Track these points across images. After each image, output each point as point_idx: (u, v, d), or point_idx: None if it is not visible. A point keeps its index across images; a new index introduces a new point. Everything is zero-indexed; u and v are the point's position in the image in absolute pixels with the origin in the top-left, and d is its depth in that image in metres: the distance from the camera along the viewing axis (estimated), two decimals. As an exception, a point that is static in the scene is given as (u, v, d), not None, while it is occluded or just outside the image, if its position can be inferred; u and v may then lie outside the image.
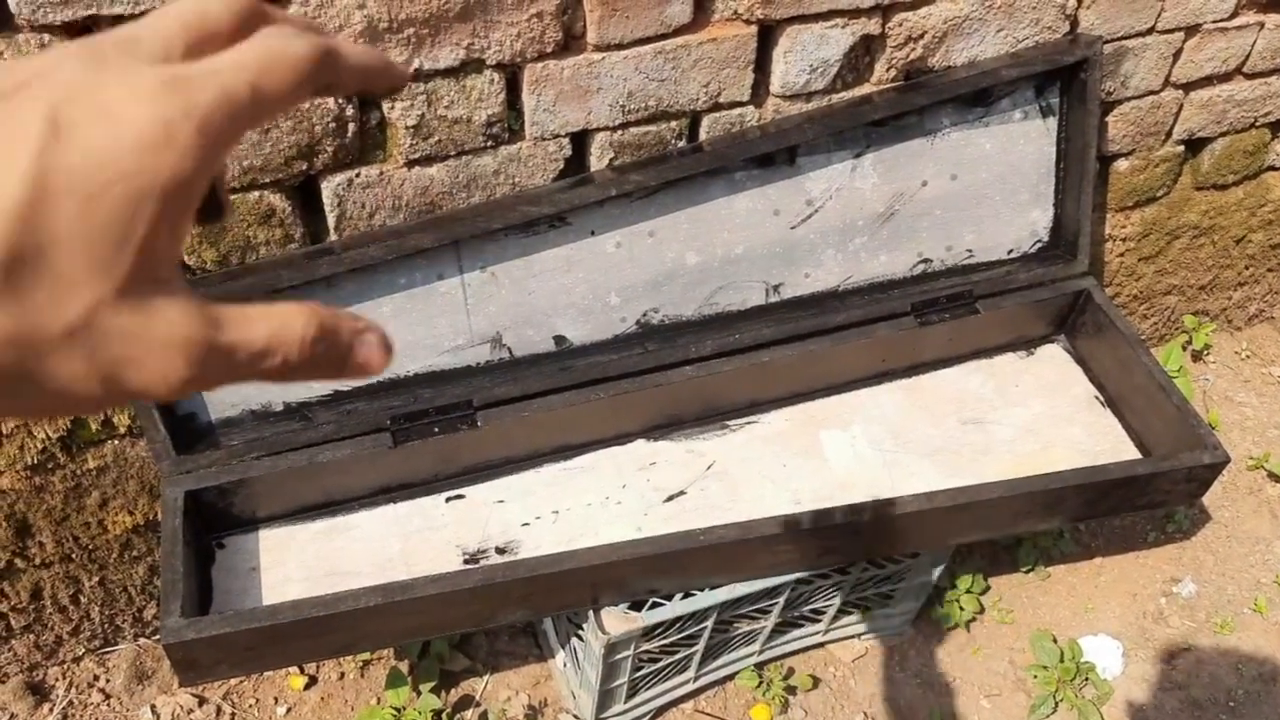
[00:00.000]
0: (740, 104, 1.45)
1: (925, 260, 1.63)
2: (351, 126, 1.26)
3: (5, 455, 1.38)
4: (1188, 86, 1.79)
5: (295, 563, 1.42)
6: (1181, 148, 1.90)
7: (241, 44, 0.32)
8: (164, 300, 0.29)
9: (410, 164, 1.32)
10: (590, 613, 1.44)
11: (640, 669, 1.58)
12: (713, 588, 1.46)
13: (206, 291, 1.28)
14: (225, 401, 1.37)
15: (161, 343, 0.29)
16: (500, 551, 1.45)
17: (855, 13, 1.40)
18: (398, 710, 1.66)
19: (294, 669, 1.75)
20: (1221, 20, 1.70)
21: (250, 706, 1.72)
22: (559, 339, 1.48)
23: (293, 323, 0.31)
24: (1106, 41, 1.61)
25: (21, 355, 0.27)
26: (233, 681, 1.74)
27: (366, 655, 1.76)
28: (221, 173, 0.37)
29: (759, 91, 1.45)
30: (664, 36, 1.33)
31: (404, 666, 1.72)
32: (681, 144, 1.46)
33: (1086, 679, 1.83)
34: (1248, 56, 1.78)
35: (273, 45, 0.32)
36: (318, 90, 0.34)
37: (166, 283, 0.29)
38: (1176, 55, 1.72)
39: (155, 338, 0.29)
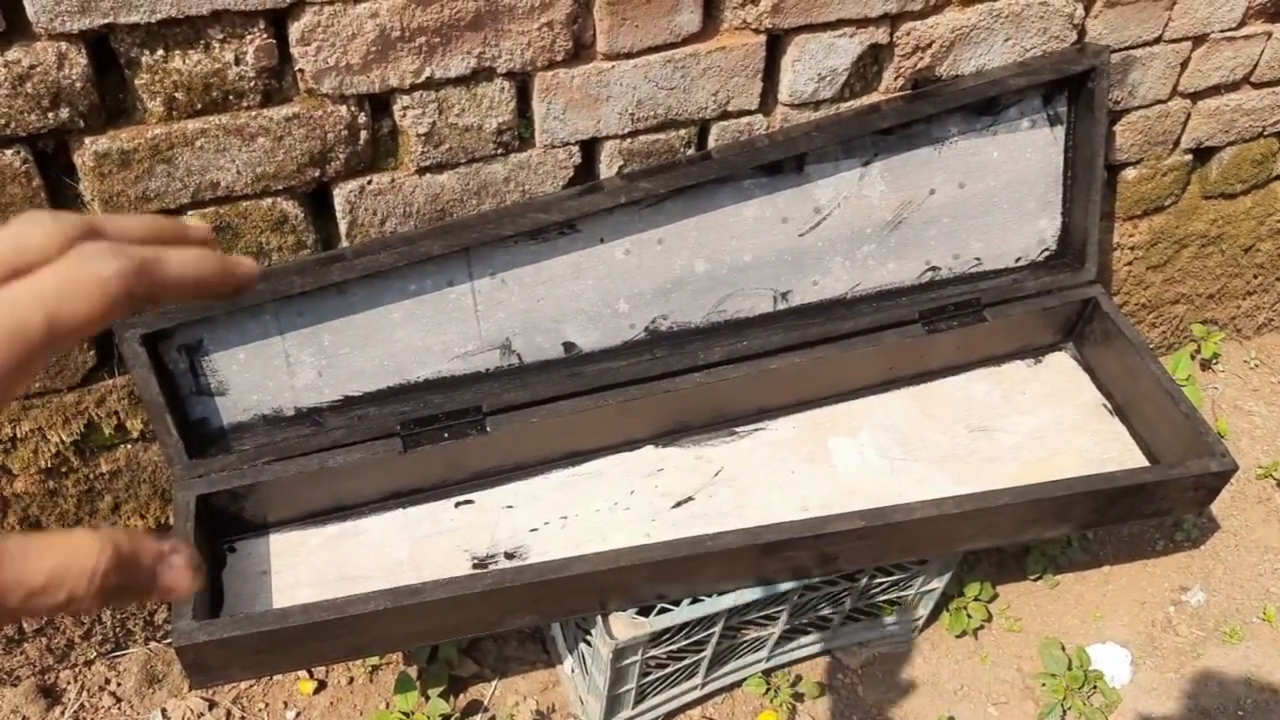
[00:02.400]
0: (749, 112, 1.45)
1: (933, 268, 1.64)
2: (363, 134, 1.27)
3: (19, 459, 1.39)
4: (1195, 96, 1.79)
5: (305, 567, 1.43)
6: (1189, 157, 1.90)
7: (45, 269, 0.30)
8: None
9: (421, 171, 1.33)
10: (598, 618, 1.44)
11: (648, 674, 1.58)
12: (720, 594, 1.46)
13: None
14: (237, 406, 1.38)
15: None
16: (509, 557, 1.46)
17: (863, 22, 1.41)
18: (406, 715, 1.67)
19: (303, 673, 1.76)
20: (1229, 30, 1.70)
21: (260, 710, 1.73)
22: (568, 345, 1.49)
23: (81, 555, 0.30)
24: (1114, 51, 1.62)
25: None
26: (242, 685, 1.75)
27: (375, 660, 1.77)
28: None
29: (767, 100, 1.46)
30: (673, 45, 1.34)
31: (413, 671, 1.72)
32: (690, 152, 1.46)
33: (1095, 687, 1.83)
34: (1255, 66, 1.79)
35: (76, 269, 0.30)
36: (135, 305, 0.32)
37: None
38: (1184, 64, 1.72)
39: None
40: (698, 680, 1.69)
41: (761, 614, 1.59)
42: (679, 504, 1.53)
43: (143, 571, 0.31)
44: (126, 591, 0.31)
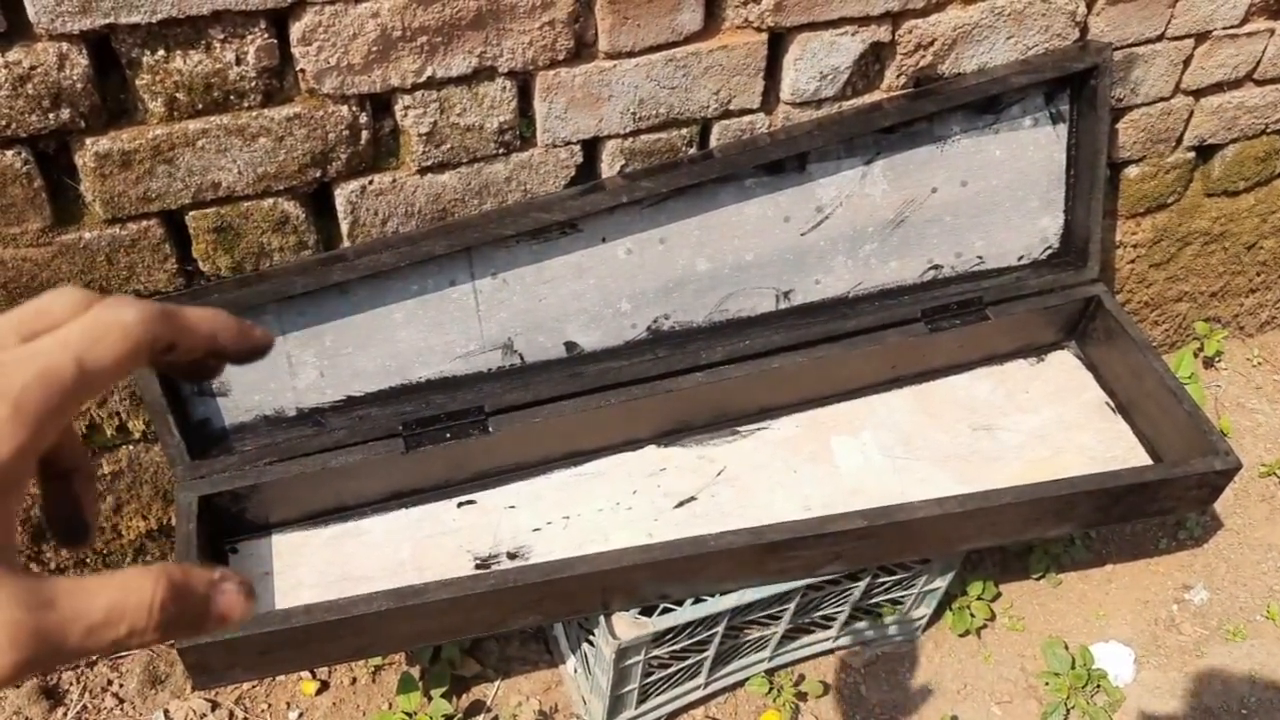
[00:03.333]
0: (751, 111, 1.45)
1: (935, 267, 1.63)
2: (365, 134, 1.27)
3: (21, 460, 1.39)
4: (1198, 93, 1.79)
5: (308, 567, 1.42)
6: (1192, 154, 1.90)
7: (72, 321, 0.31)
8: None
9: (423, 171, 1.33)
10: (601, 618, 1.44)
11: (651, 674, 1.58)
12: (723, 593, 1.46)
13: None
14: (239, 407, 1.38)
15: None
16: (511, 557, 1.46)
17: (865, 20, 1.41)
18: (409, 715, 1.67)
19: (306, 674, 1.76)
20: (1232, 27, 1.70)
21: (263, 711, 1.73)
22: (570, 345, 1.49)
23: (138, 589, 0.30)
24: (1117, 48, 1.62)
25: None
26: (245, 686, 1.75)
27: (378, 660, 1.77)
28: (91, 495, 0.37)
29: (769, 99, 1.46)
30: (675, 44, 1.34)
31: (415, 671, 1.72)
32: (692, 151, 1.46)
33: (1098, 686, 1.82)
34: (1258, 63, 1.78)
35: (101, 315, 0.31)
36: (158, 357, 0.33)
37: None
38: (1187, 62, 1.72)
39: None
40: (700, 680, 1.69)
41: (764, 613, 1.59)
42: (681, 504, 1.53)
43: (197, 600, 0.32)
44: (183, 621, 0.31)
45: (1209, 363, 2.35)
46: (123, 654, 1.71)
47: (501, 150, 1.35)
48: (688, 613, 1.46)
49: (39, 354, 0.30)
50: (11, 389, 0.29)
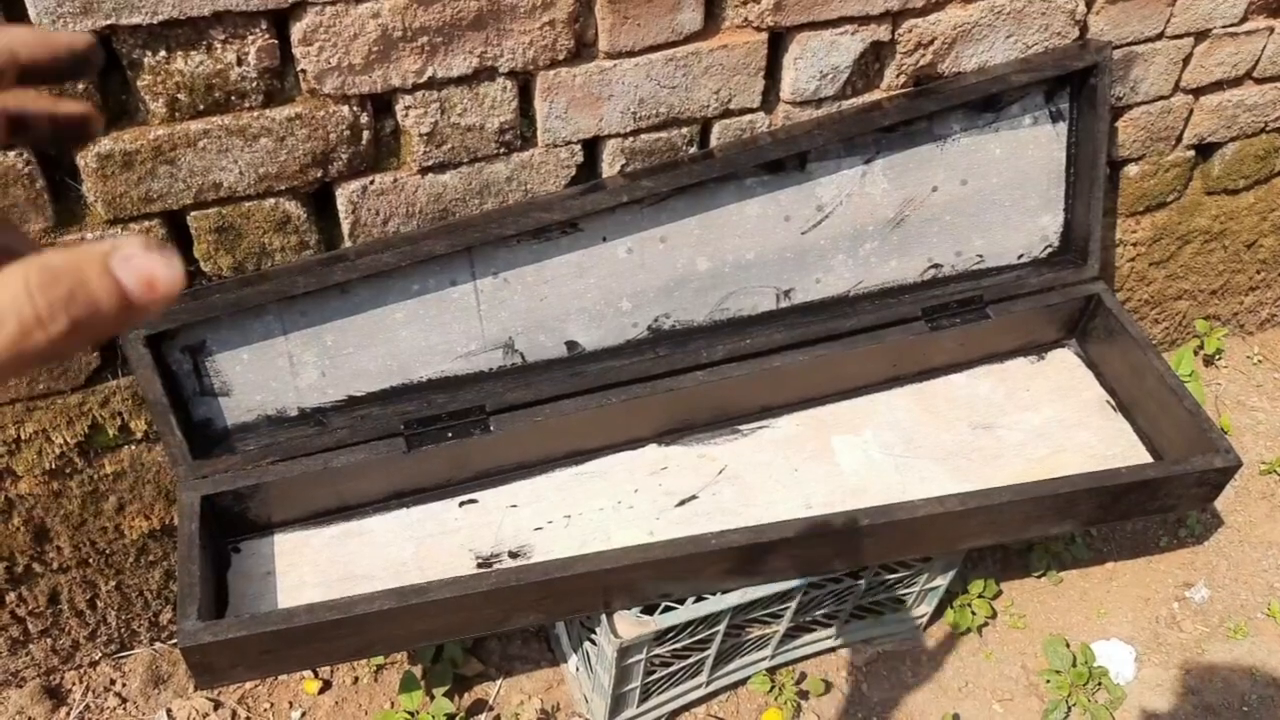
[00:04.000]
0: (751, 110, 1.45)
1: (936, 265, 1.64)
2: (366, 134, 1.27)
3: (23, 461, 1.39)
4: (1198, 91, 1.79)
5: (310, 567, 1.43)
6: (1192, 153, 1.90)
7: None
8: None
9: (424, 171, 1.33)
10: (603, 617, 1.44)
11: (653, 673, 1.58)
12: (725, 592, 1.47)
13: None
14: (241, 407, 1.38)
15: None
16: (513, 556, 1.46)
17: (865, 19, 1.41)
18: (411, 714, 1.67)
19: (308, 673, 1.76)
20: (1231, 25, 1.70)
21: (265, 710, 1.73)
22: (571, 344, 1.49)
23: (6, 283, 0.27)
24: (1116, 47, 1.62)
25: None
26: (248, 685, 1.75)
27: (380, 659, 1.77)
28: (43, 101, 0.33)
29: (769, 98, 1.46)
30: (675, 44, 1.34)
31: (417, 671, 1.73)
32: (692, 150, 1.46)
33: (1099, 684, 1.83)
34: (1257, 61, 1.79)
35: None
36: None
37: None
38: (1186, 60, 1.72)
39: None
40: (702, 678, 1.69)
41: (766, 612, 1.59)
42: (682, 502, 1.54)
43: (88, 278, 0.27)
44: (84, 303, 0.27)
45: (1209, 361, 2.35)
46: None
47: (502, 150, 1.35)
48: (689, 611, 1.46)
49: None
50: None
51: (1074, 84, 1.58)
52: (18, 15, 1.04)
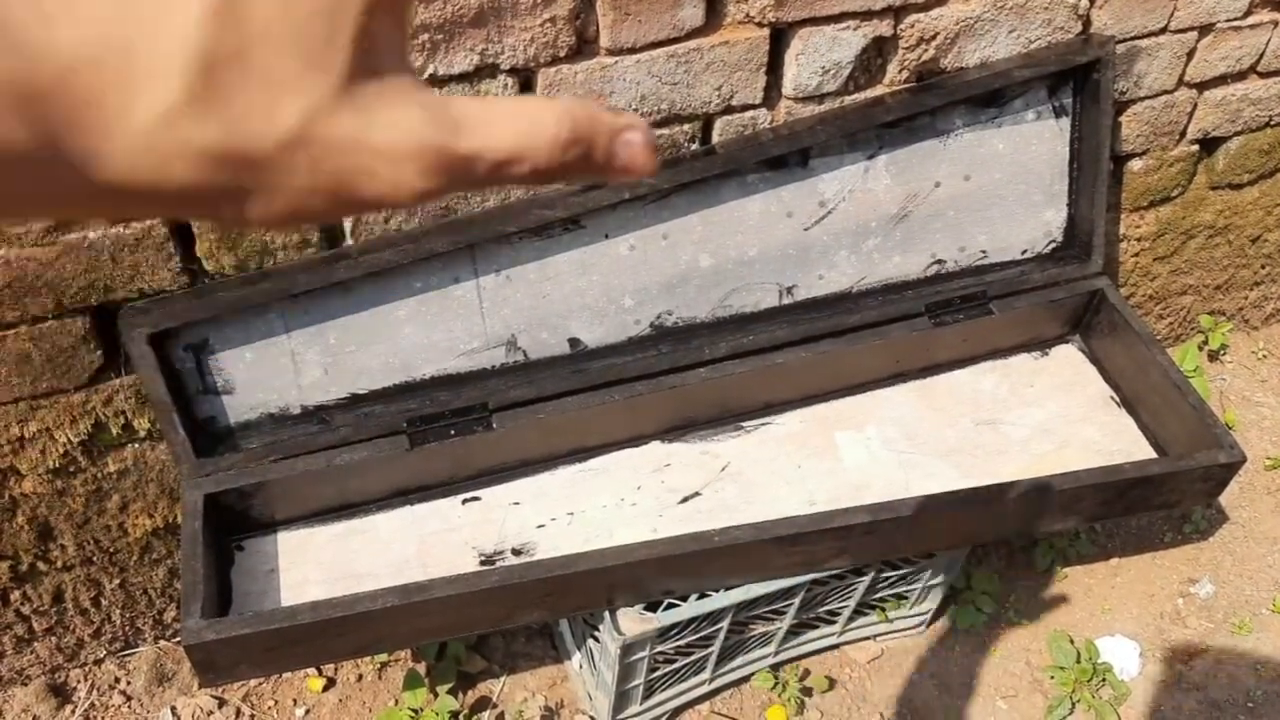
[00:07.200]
0: (753, 106, 1.45)
1: (939, 261, 1.63)
2: (367, 132, 1.27)
3: (27, 459, 1.39)
4: (1202, 86, 1.79)
5: (313, 564, 1.43)
6: (1196, 147, 1.89)
7: None
8: (391, 100, 0.26)
9: (425, 168, 1.33)
10: (606, 614, 1.44)
11: (656, 670, 1.58)
12: (728, 589, 1.46)
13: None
14: (244, 405, 1.38)
15: (391, 151, 0.26)
16: (516, 553, 1.46)
17: (867, 15, 1.41)
18: (415, 711, 1.67)
19: (312, 671, 1.76)
20: (1235, 19, 1.69)
21: (269, 708, 1.73)
22: (573, 341, 1.49)
23: (542, 124, 0.28)
24: (1119, 41, 1.61)
25: (237, 173, 0.24)
26: (252, 683, 1.75)
27: (384, 657, 1.77)
28: None
29: (771, 94, 1.46)
30: (676, 40, 1.34)
31: (421, 668, 1.73)
32: (694, 147, 1.46)
33: (1104, 680, 1.82)
34: (1261, 55, 1.78)
35: None
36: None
37: (393, 77, 0.26)
38: (1190, 54, 1.71)
39: (384, 146, 0.26)
40: (705, 675, 1.69)
41: (769, 609, 1.59)
42: (686, 499, 1.53)
43: (598, 148, 0.30)
44: (582, 167, 0.30)
45: (1213, 356, 2.35)
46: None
47: (504, 147, 1.35)
48: (692, 608, 1.46)
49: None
50: None
51: (1077, 79, 1.57)
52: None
